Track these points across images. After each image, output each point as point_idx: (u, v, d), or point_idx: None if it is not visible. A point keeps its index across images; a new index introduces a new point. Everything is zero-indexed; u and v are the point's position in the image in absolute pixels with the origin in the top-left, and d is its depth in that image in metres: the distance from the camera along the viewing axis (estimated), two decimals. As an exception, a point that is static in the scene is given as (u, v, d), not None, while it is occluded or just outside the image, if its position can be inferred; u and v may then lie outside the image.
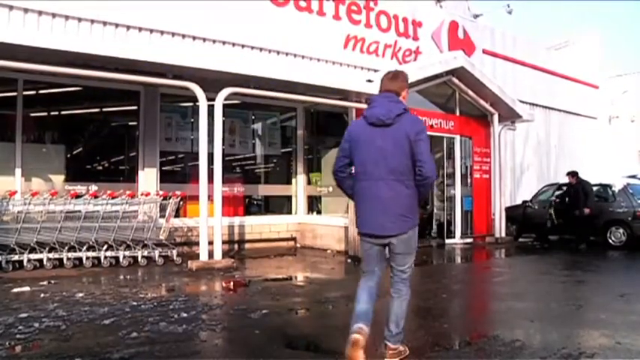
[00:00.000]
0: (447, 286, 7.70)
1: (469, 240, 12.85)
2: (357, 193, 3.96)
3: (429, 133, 11.23)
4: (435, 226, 13.75)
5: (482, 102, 13.06)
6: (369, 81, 10.25)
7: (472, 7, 17.88)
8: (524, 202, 14.46)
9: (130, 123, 10.49)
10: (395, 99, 3.99)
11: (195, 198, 9.08)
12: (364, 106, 10.44)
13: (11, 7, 8.72)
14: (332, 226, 10.91)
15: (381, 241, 3.91)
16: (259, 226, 11.33)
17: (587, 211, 12.08)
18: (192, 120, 10.72)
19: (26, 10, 8.88)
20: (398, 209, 3.77)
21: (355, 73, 12.68)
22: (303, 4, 12.01)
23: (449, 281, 8.18)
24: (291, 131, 12.43)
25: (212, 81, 8.56)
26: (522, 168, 17.81)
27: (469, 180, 13.22)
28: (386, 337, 4.06)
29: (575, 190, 12.48)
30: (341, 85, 9.99)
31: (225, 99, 8.68)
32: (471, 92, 12.75)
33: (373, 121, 3.84)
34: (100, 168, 10.80)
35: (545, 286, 7.71)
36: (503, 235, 13.44)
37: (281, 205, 12.27)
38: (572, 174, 12.76)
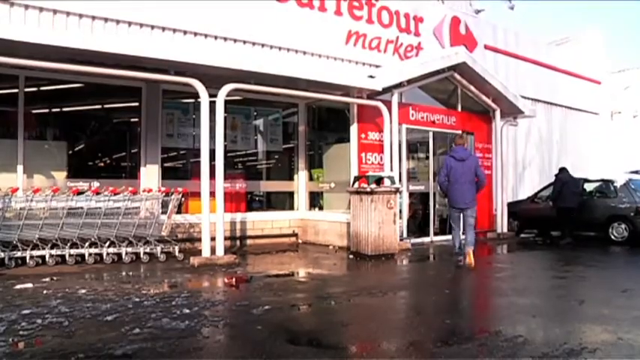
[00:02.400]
0: (449, 282, 7.70)
1: (471, 236, 12.81)
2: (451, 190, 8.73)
3: (431, 129, 11.33)
4: (437, 222, 13.72)
5: (484, 98, 13.03)
6: (371, 77, 10.26)
7: (474, 2, 17.84)
8: (529, 197, 14.48)
9: (132, 119, 10.50)
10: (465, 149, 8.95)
11: (196, 194, 9.09)
12: (366, 101, 10.52)
13: (12, 4, 8.74)
14: (334, 222, 10.91)
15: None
16: (261, 222, 11.32)
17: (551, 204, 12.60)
18: (193, 116, 10.70)
19: (27, 7, 8.89)
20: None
21: (357, 68, 12.68)
22: (304, 0, 12.00)
23: (451, 277, 8.18)
24: (292, 127, 12.41)
25: (214, 77, 8.57)
26: (524, 164, 17.80)
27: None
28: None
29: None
30: (343, 81, 10.01)
31: (227, 95, 8.67)
32: (472, 88, 12.72)
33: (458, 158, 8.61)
34: (102, 164, 10.82)
35: (548, 282, 7.72)
36: (505, 230, 13.43)
37: (283, 201, 12.26)
38: (560, 170, 12.82)
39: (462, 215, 8.77)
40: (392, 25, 13.71)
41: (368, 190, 9.39)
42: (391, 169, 10.66)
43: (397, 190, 9.76)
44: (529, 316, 5.37)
